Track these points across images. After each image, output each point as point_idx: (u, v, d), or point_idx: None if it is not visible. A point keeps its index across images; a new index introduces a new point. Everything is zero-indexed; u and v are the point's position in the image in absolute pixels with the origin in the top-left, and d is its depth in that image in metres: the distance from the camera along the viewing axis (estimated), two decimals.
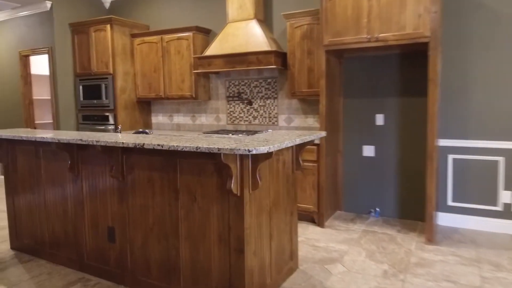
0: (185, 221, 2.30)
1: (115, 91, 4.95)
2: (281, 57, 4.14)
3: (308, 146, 3.70)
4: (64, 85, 5.14)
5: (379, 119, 3.96)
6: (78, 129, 5.35)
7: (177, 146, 2.00)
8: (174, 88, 4.87)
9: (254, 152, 1.81)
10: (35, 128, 5.56)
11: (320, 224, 3.75)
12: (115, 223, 2.60)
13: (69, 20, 5.15)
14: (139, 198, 2.46)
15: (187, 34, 4.70)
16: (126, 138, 2.46)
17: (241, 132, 4.39)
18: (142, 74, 5.10)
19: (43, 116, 6.03)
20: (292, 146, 2.64)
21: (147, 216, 2.45)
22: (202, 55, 4.42)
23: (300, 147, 2.70)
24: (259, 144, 1.93)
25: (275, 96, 4.54)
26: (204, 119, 5.08)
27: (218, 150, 1.86)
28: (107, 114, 5.06)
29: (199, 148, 1.92)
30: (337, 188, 4.19)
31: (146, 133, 2.76)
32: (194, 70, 4.65)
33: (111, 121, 5.03)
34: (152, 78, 5.03)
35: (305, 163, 3.75)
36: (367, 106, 4.02)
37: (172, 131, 5.13)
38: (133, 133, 2.82)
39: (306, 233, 3.58)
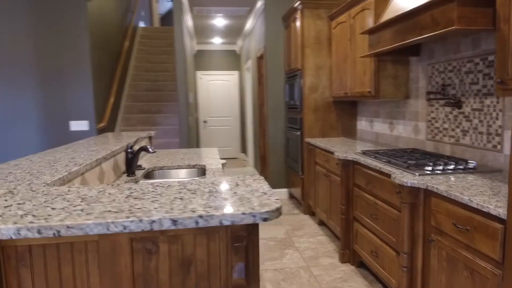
0: None
1: (302, 89, 4.11)
2: (482, 5, 1.86)
3: (483, 220, 1.50)
4: (274, 85, 4.85)
5: None
6: (285, 134, 4.93)
7: None
8: (358, 83, 3.40)
9: None
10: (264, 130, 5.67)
11: None
12: None
13: (282, 14, 4.76)
14: None
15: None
16: None
17: (438, 158, 2.41)
18: (337, 66, 3.93)
19: None
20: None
21: None
22: (371, 27, 2.76)
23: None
24: None
25: None
26: (402, 129, 3.25)
27: None
28: (296, 117, 4.32)
29: None
30: None
31: None
32: (362, 55, 3.03)
33: (299, 125, 4.24)
34: (342, 71, 3.77)
35: (477, 258, 1.53)
36: None
37: (371, 143, 3.67)
38: None
39: None
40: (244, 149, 8.45)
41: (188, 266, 1.10)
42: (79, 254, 1.05)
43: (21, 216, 0.86)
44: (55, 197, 1.03)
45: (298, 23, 4.09)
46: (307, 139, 4.06)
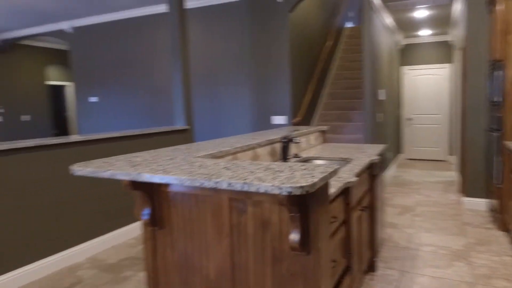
0: None
1: (503, 83, 3.48)
2: None
3: None
4: (474, 78, 4.26)
5: None
6: (486, 136, 4.25)
7: None
8: None
9: None
10: None
11: None
12: None
13: None
14: None
15: None
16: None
17: None
18: None
19: None
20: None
21: None
22: None
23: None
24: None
25: None
26: None
27: None
28: (495, 115, 3.68)
29: None
30: None
31: None
32: None
33: (498, 125, 3.61)
34: None
35: None
36: None
37: None
38: None
39: None
40: (453, 151, 7.57)
41: (266, 227, 1.42)
42: (201, 203, 1.55)
43: (156, 169, 1.42)
44: (187, 163, 1.56)
45: (501, 6, 3.49)
46: (508, 142, 3.44)
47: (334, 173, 1.34)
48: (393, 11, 5.52)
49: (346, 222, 2.03)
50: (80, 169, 1.52)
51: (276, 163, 1.48)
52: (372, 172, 2.78)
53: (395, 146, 7.40)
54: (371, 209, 2.77)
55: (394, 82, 7.39)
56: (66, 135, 6.61)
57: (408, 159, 8.25)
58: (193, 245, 1.58)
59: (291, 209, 1.26)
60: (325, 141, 3.81)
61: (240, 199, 1.44)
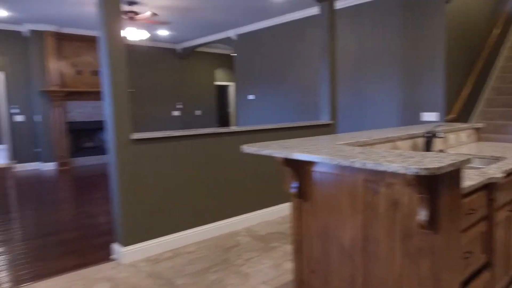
0: None
1: None
2: None
3: None
4: None
5: None
6: None
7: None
8: None
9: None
10: None
11: None
12: None
13: None
14: None
15: None
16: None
17: None
18: None
19: None
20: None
21: None
22: None
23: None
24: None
25: None
26: None
27: None
28: None
29: None
30: None
31: None
32: None
33: None
34: None
35: None
36: None
37: None
38: None
39: None
40: None
41: (396, 206, 1.61)
42: (339, 182, 1.83)
43: (301, 150, 1.76)
44: (327, 148, 1.86)
45: None
46: None
47: (465, 162, 1.43)
48: None
49: (488, 218, 2.00)
50: (248, 148, 1.99)
51: (410, 151, 1.65)
52: None
53: None
54: None
55: None
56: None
57: None
58: (331, 218, 1.88)
59: (419, 190, 1.43)
60: (479, 139, 3.56)
61: (374, 180, 1.67)
